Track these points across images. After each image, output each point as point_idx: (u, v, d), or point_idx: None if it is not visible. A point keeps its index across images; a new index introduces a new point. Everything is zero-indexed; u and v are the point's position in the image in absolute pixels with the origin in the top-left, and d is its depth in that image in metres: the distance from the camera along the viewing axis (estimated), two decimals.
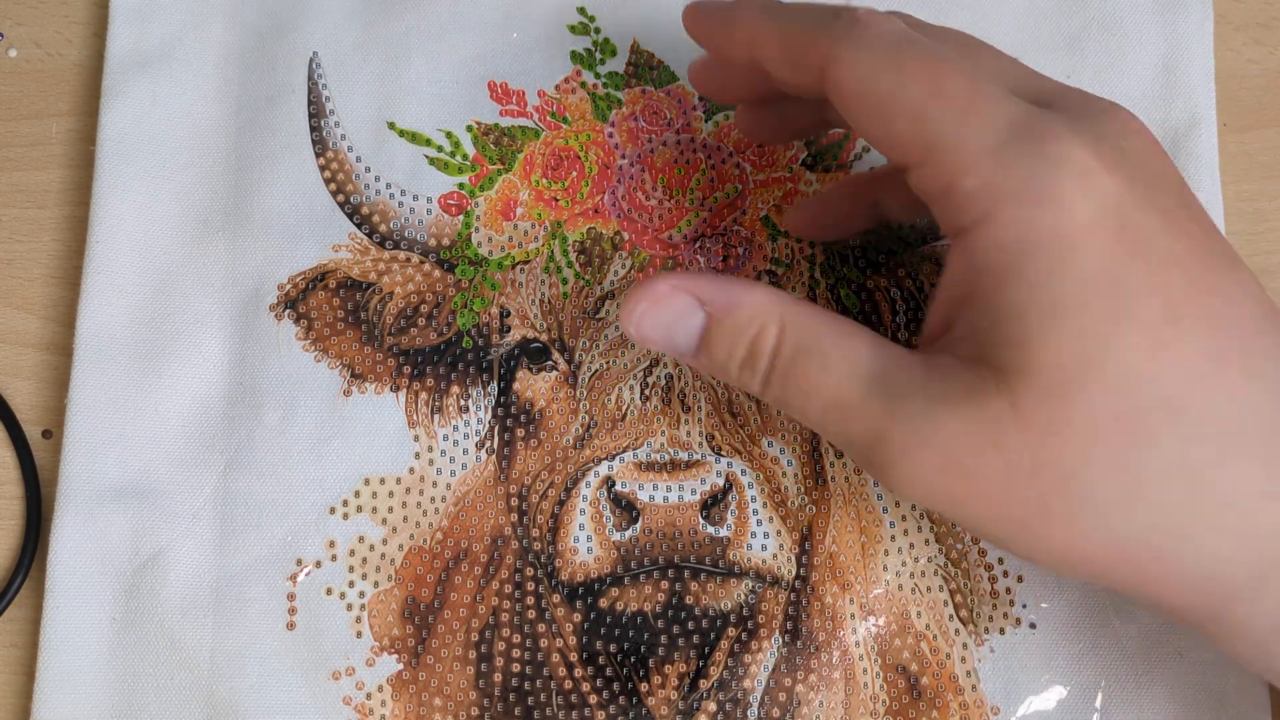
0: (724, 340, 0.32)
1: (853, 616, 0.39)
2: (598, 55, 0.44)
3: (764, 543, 0.39)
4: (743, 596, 0.39)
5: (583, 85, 0.44)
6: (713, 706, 0.38)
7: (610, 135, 0.43)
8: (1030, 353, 0.27)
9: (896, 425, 0.29)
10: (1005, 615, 0.39)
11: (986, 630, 0.39)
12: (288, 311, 0.41)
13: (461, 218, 0.42)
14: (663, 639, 0.39)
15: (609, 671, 0.39)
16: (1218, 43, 0.44)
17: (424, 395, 0.41)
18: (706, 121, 0.43)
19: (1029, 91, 0.31)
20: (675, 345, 0.33)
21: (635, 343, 0.34)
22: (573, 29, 0.44)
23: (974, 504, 0.29)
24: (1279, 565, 0.27)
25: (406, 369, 0.41)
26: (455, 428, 0.41)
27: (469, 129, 0.43)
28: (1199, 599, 0.28)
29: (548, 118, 0.43)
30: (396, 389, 0.41)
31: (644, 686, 0.39)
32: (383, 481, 0.40)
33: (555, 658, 0.39)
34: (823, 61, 0.31)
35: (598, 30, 0.44)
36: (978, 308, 0.29)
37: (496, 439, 0.40)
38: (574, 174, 0.43)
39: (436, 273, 0.42)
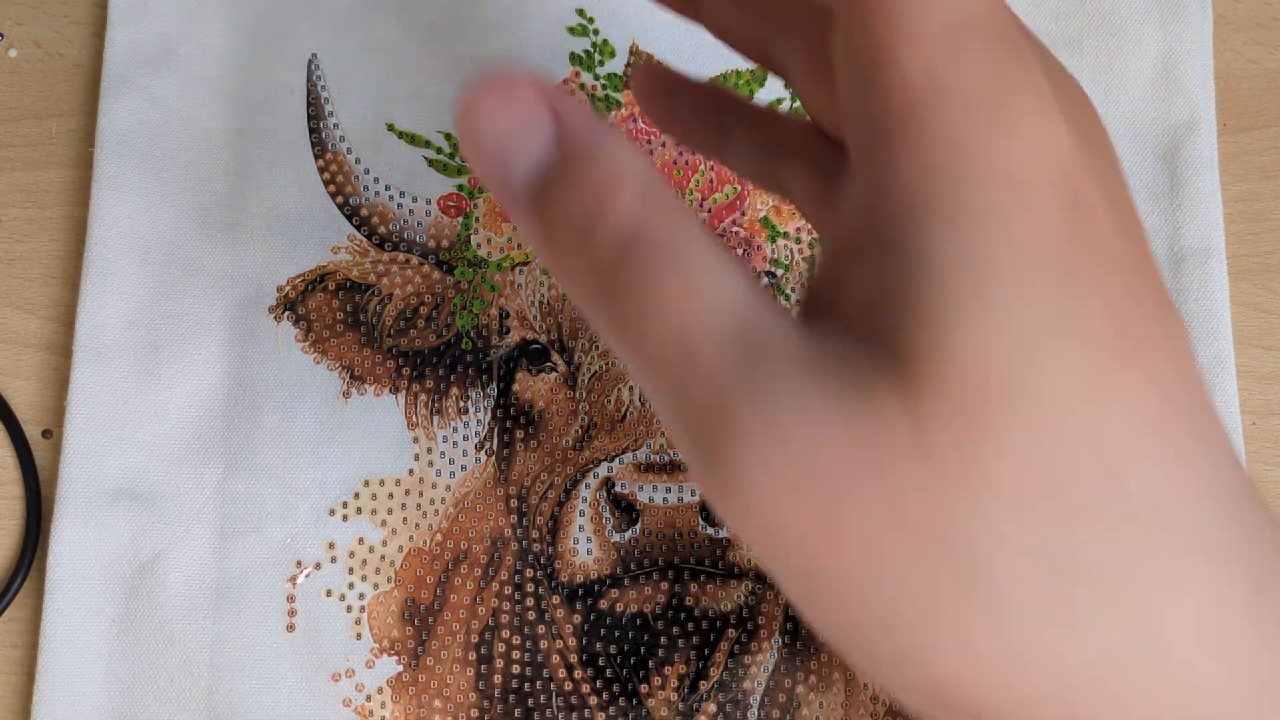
0: (577, 186, 0.20)
1: None
2: (596, 57, 0.44)
3: None
4: (742, 598, 0.39)
5: (581, 87, 0.43)
6: (713, 708, 0.38)
7: None
8: (943, 333, 0.18)
9: (749, 397, 0.18)
10: None
11: None
12: (287, 313, 0.41)
13: (460, 219, 0.42)
14: (662, 640, 0.39)
15: (609, 673, 0.39)
16: (1217, 43, 0.44)
17: (423, 397, 0.41)
18: None
19: None
20: (505, 170, 0.21)
21: (464, 150, 0.21)
22: (571, 31, 0.44)
23: (831, 560, 0.18)
24: None
25: (406, 371, 0.41)
26: (455, 429, 0.40)
27: None
28: None
29: None
30: (396, 391, 0.41)
31: (644, 688, 0.39)
32: (382, 483, 0.40)
33: (555, 659, 0.39)
34: None
35: (596, 31, 0.44)
36: (875, 259, 0.19)
37: (496, 440, 0.40)
38: None
39: (436, 274, 0.42)
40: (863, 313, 0.19)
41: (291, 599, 0.39)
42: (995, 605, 0.17)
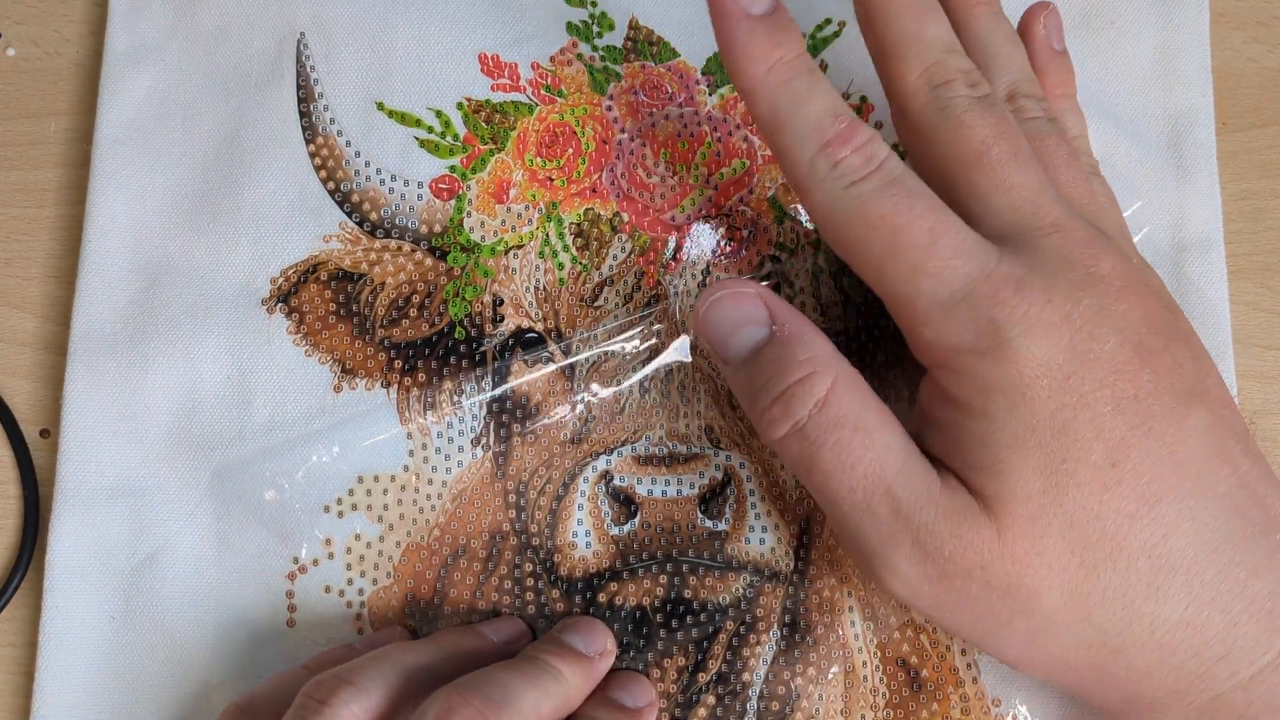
0: (773, 364, 0.33)
1: (851, 609, 0.39)
2: (595, 28, 0.42)
3: (762, 537, 0.39)
4: (741, 590, 0.39)
5: (579, 57, 0.42)
6: (712, 700, 0.38)
7: (609, 109, 0.42)
8: (1005, 482, 0.31)
9: (909, 533, 0.32)
10: None
11: None
12: (279, 305, 0.41)
13: (453, 202, 0.41)
14: (661, 633, 0.39)
15: None
16: (1217, 41, 0.44)
17: (415, 391, 0.40)
18: (711, 95, 0.42)
19: (1014, 225, 0.33)
20: (726, 347, 0.34)
21: (694, 327, 0.35)
22: (569, 1, 0.43)
23: (956, 611, 0.32)
24: (1190, 684, 0.32)
25: (398, 364, 0.40)
26: (449, 424, 0.40)
27: (459, 106, 0.42)
28: (1124, 705, 0.33)
29: (542, 91, 0.42)
30: (387, 385, 0.40)
31: None
32: (376, 479, 0.40)
33: None
34: (801, 190, 0.34)
35: (594, 3, 0.43)
36: (951, 424, 0.33)
37: (492, 435, 0.40)
38: (570, 151, 0.41)
39: (428, 261, 0.41)
40: (953, 460, 0.33)
41: (290, 594, 0.39)
42: (1046, 617, 0.32)
